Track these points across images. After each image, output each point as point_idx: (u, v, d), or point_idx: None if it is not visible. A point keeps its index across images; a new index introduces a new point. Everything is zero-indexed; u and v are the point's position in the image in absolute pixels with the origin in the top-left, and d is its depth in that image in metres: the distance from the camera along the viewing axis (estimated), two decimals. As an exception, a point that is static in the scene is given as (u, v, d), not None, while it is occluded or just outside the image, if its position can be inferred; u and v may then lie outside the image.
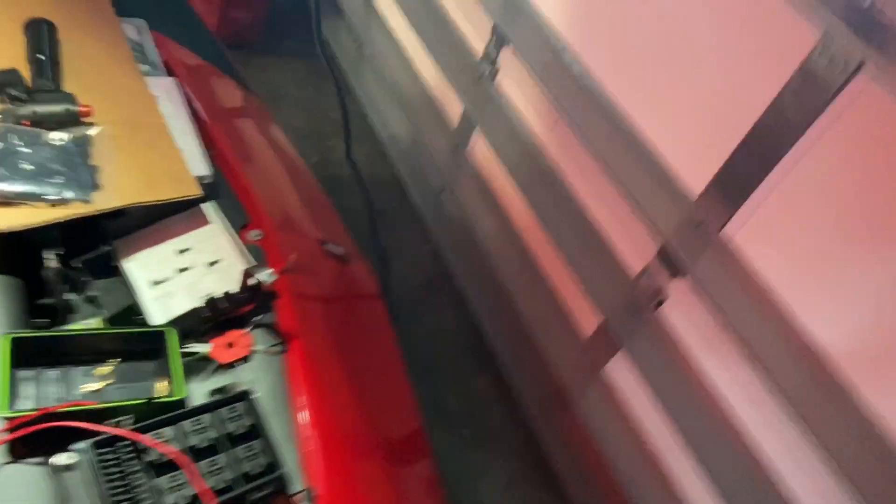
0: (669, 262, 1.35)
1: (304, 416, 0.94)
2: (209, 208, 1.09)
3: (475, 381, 2.05)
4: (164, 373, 0.90)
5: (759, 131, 1.11)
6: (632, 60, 1.40)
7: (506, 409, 1.99)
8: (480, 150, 1.99)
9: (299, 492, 0.88)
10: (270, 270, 0.94)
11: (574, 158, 1.60)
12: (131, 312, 0.91)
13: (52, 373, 0.84)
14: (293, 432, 0.91)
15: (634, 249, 1.47)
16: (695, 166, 1.26)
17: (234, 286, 0.99)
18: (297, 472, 0.88)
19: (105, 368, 0.87)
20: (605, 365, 1.57)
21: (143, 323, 0.90)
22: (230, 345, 0.97)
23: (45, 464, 0.78)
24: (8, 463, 0.77)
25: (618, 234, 1.53)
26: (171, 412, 0.83)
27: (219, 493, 0.77)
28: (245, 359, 0.97)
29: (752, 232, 1.18)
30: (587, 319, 1.64)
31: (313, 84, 2.73)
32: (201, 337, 0.97)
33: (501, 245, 1.95)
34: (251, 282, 0.96)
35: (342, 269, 1.26)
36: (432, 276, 2.24)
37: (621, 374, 1.55)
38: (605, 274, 1.53)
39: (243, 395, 0.86)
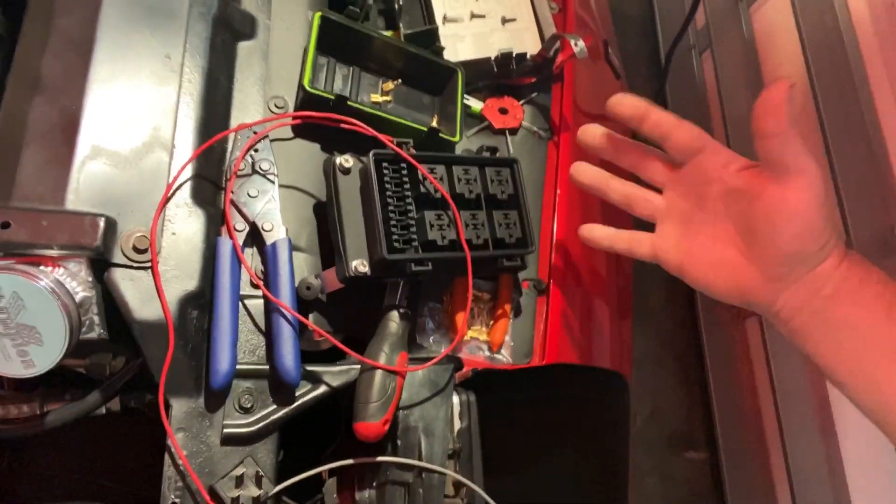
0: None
1: (552, 211, 0.89)
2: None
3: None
4: (440, 112, 0.86)
5: None
6: None
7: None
8: (772, 7, 1.72)
9: (531, 279, 0.84)
10: (582, 43, 0.83)
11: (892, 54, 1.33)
12: (429, 38, 0.84)
13: (344, 69, 0.81)
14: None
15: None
16: None
17: (522, 48, 0.90)
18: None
19: (390, 84, 0.83)
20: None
21: (438, 53, 0.84)
22: (503, 110, 0.90)
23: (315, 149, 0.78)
24: (293, 139, 0.77)
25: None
26: (439, 152, 0.79)
27: (473, 248, 0.73)
28: (512, 130, 0.91)
29: None
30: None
31: None
32: (476, 94, 0.91)
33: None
34: (551, 51, 0.87)
35: (613, 83, 1.13)
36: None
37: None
38: (875, 192, 1.33)
39: (511, 162, 0.80)
